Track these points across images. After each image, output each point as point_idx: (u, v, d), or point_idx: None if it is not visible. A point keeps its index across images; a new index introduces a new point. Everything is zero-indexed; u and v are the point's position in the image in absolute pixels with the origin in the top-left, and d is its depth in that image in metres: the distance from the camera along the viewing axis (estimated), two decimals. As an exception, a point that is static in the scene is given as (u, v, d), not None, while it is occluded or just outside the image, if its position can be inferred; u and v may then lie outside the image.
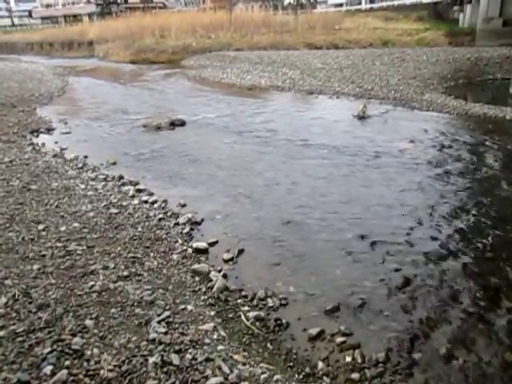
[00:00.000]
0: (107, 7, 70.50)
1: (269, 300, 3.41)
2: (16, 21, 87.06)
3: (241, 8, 45.74)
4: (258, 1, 58.55)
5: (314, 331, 3.09)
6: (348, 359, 2.88)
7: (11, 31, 65.63)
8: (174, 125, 9.57)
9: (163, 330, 2.89)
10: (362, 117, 9.91)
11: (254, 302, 3.40)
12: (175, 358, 2.61)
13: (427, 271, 3.87)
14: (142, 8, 55.31)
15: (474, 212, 5.06)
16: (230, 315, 3.24)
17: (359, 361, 2.86)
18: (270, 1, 59.89)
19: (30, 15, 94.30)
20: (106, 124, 10.15)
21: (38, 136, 8.94)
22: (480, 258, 4.12)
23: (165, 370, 2.52)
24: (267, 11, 42.03)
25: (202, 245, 4.21)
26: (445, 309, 3.38)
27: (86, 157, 7.25)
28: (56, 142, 8.34)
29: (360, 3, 66.09)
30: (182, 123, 9.70)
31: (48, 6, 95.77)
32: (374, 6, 57.81)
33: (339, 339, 3.04)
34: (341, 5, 66.93)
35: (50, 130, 9.45)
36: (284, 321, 3.19)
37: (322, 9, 60.71)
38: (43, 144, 8.15)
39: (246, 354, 2.85)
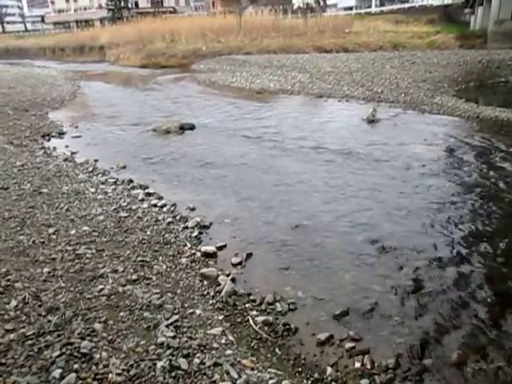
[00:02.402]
0: (118, 12, 71.16)
1: (277, 304, 3.40)
2: (29, 26, 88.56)
3: (250, 12, 45.91)
4: (267, 5, 58.72)
5: (322, 336, 3.06)
6: (357, 365, 2.85)
7: (24, 36, 66.63)
8: (183, 129, 9.61)
9: (171, 334, 2.88)
10: (371, 120, 9.87)
11: (263, 307, 3.38)
12: (183, 363, 2.60)
13: (438, 276, 3.82)
14: (152, 13, 55.86)
15: (485, 217, 5.00)
16: (239, 319, 3.23)
17: (368, 367, 2.83)
18: (280, 5, 60.01)
19: (42, 20, 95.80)
20: (116, 128, 10.23)
21: (49, 140, 9.04)
22: (491, 263, 4.06)
23: (173, 374, 2.51)
24: (277, 15, 42.08)
25: (211, 249, 4.21)
26: (456, 314, 3.34)
27: (96, 160, 7.31)
28: (67, 146, 8.43)
29: (370, 6, 65.99)
30: (192, 127, 9.75)
31: (60, 11, 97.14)
32: (384, 9, 57.71)
33: (348, 344, 3.01)
34: (351, 8, 66.93)
35: (61, 134, 9.55)
36: (292, 326, 3.17)
37: (332, 12, 60.74)
38: (54, 148, 8.24)
39: (254, 358, 2.83)
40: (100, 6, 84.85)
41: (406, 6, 55.96)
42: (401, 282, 3.72)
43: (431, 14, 42.87)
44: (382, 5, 67.72)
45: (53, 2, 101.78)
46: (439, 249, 4.29)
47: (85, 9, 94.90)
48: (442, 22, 39.45)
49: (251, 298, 3.49)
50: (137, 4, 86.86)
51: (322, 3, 65.48)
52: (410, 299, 3.51)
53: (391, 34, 32.00)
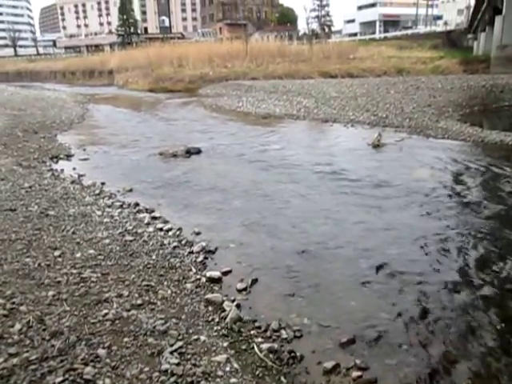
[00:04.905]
0: (128, 37, 72.89)
1: (282, 331, 3.35)
2: (41, 50, 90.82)
3: (257, 38, 46.89)
4: (273, 31, 59.94)
5: (328, 365, 3.01)
6: (364, 395, 2.80)
7: (36, 60, 68.19)
8: (189, 153, 9.69)
9: (176, 360, 2.85)
10: (376, 145, 9.92)
11: (268, 334, 3.33)
12: (187, 391, 2.57)
13: (446, 303, 3.77)
14: (161, 38, 57.18)
15: (492, 242, 4.96)
16: (243, 347, 3.19)
17: (376, 397, 2.77)
18: (286, 31, 61.24)
19: (54, 45, 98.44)
20: (123, 151, 10.34)
21: (57, 162, 9.14)
22: (499, 289, 4.00)
23: (176, 402, 2.48)
24: (282, 41, 42.94)
25: (216, 274, 4.18)
26: (464, 342, 3.28)
27: (103, 183, 7.36)
28: (74, 168, 8.51)
29: (374, 32, 67.17)
30: (198, 151, 9.83)
31: (72, 36, 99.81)
32: (388, 35, 58.76)
33: (355, 373, 2.95)
34: (355, 34, 68.20)
35: (69, 156, 9.66)
36: (298, 353, 3.12)
37: (337, 38, 61.90)
38: (62, 170, 8.32)
39: (259, 387, 2.79)
40: (110, 32, 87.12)
41: (410, 32, 57.02)
42: (408, 309, 3.67)
43: (434, 39, 43.60)
44: (385, 31, 69.03)
45: (64, 27, 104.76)
46: (447, 274, 4.24)
47: (95, 34, 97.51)
48: (445, 48, 40.07)
49: (256, 324, 3.44)
50: (146, 30, 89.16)
51: (326, 30, 66.86)
52: (417, 326, 3.46)
53: (395, 60, 32.49)
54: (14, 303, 3.40)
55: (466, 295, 3.89)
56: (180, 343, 3.06)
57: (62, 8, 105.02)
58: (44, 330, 3.08)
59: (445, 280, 4.13)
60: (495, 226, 5.43)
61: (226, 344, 3.17)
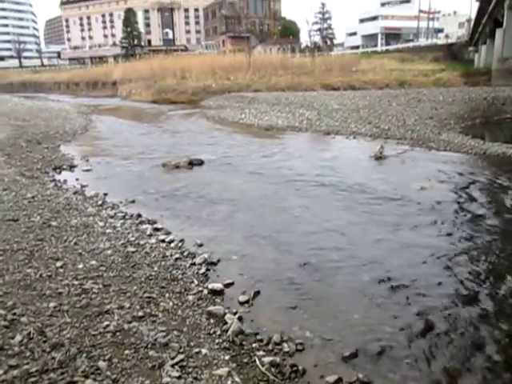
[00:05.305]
0: (132, 49, 73.66)
1: (284, 345, 3.32)
2: (45, 61, 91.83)
3: (259, 51, 47.29)
4: (276, 44, 60.48)
5: (331, 379, 2.98)
6: (367, 410, 2.77)
7: (40, 71, 68.88)
8: (192, 164, 9.72)
9: (177, 374, 2.82)
10: (379, 157, 9.93)
11: (270, 347, 3.31)
12: (188, 405, 2.54)
13: (449, 317, 3.73)
14: (164, 50, 57.73)
15: (496, 255, 4.94)
16: (245, 360, 3.16)
17: (379, 412, 2.74)
18: (288, 44, 61.81)
19: (58, 56, 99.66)
20: (126, 162, 10.37)
21: (60, 172, 9.18)
22: (504, 303, 3.98)
23: (177, 417, 2.45)
24: (285, 54, 43.29)
25: (218, 286, 4.16)
26: (469, 357, 3.25)
27: (105, 194, 7.37)
28: (77, 179, 8.53)
29: (376, 45, 67.73)
30: (201, 163, 9.86)
31: (76, 48, 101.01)
32: (390, 47, 59.20)
33: (358, 388, 2.93)
34: (357, 47, 68.77)
35: (71, 167, 9.70)
36: (300, 367, 3.08)
37: (339, 51, 62.45)
38: (65, 180, 8.35)
39: (260, 402, 2.76)
40: (114, 44, 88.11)
41: (411, 44, 57.47)
42: (412, 323, 3.63)
43: (436, 52, 43.92)
44: (387, 44, 69.59)
45: (69, 39, 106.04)
46: (451, 287, 4.21)
47: (99, 46, 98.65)
48: (446, 60, 40.33)
49: (258, 337, 3.41)
50: (149, 42, 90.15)
51: (329, 42, 67.49)
52: (421, 340, 3.42)
53: (397, 72, 32.68)
54: (15, 314, 3.39)
55: (469, 309, 3.86)
56: (181, 356, 3.03)
57: (67, 20, 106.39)
58: (44, 341, 3.06)
59: (448, 294, 4.10)
60: (499, 240, 5.40)
61: (227, 357, 3.14)
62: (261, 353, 3.23)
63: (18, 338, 3.07)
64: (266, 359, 3.14)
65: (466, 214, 6.29)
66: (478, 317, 3.74)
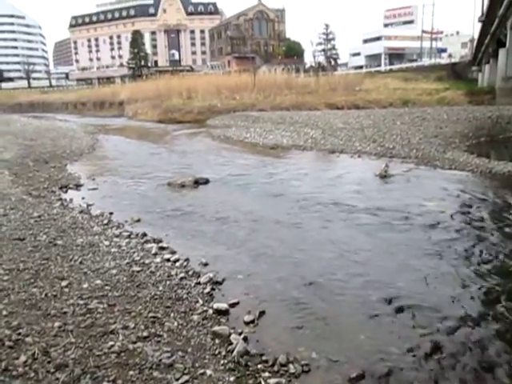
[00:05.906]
0: (138, 70, 74.84)
1: (290, 366, 3.28)
2: (54, 82, 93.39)
3: (264, 71, 47.90)
4: (280, 64, 61.29)
5: (338, 401, 2.94)
6: (375, 434, 2.71)
7: (48, 91, 69.98)
8: (197, 183, 9.76)
9: (181, 396, 2.80)
10: (384, 176, 9.94)
11: (275, 368, 3.26)
12: (193, 428, 2.51)
13: (457, 338, 3.68)
14: (170, 71, 58.60)
15: (503, 275, 4.88)
16: (250, 381, 3.12)
17: None
18: (293, 64, 62.62)
19: (66, 77, 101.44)
20: (132, 181, 10.44)
21: (66, 191, 9.24)
22: (512, 324, 3.92)
23: None
24: (290, 73, 43.77)
25: (223, 306, 4.13)
26: (477, 379, 3.19)
27: (111, 213, 7.40)
28: (83, 198, 8.58)
29: (379, 65, 68.37)
30: (206, 181, 9.90)
31: (84, 69, 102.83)
32: (394, 67, 59.71)
33: (365, 411, 2.88)
34: (361, 67, 69.43)
35: (78, 186, 9.77)
36: (306, 389, 3.05)
37: (343, 71, 63.06)
38: (71, 199, 8.40)
39: (266, 425, 2.71)
40: (121, 65, 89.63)
41: (415, 64, 57.97)
42: (419, 344, 3.58)
43: (439, 71, 44.27)
44: (391, 63, 70.23)
45: (77, 61, 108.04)
46: (457, 308, 4.17)
47: (107, 67, 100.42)
48: (450, 80, 40.60)
49: (264, 358, 3.37)
50: (156, 63, 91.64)
51: (333, 62, 68.28)
52: (428, 362, 3.37)
53: (401, 91, 32.90)
54: (19, 334, 3.39)
55: (478, 330, 3.81)
56: (186, 377, 3.01)
57: (75, 42, 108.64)
58: (49, 362, 3.05)
59: (456, 315, 4.05)
60: (504, 259, 5.35)
61: (232, 378, 3.10)
62: (266, 374, 3.19)
63: (23, 358, 3.06)
64: (272, 381, 3.10)
65: (474, 234, 6.25)
66: (487, 338, 3.69)
